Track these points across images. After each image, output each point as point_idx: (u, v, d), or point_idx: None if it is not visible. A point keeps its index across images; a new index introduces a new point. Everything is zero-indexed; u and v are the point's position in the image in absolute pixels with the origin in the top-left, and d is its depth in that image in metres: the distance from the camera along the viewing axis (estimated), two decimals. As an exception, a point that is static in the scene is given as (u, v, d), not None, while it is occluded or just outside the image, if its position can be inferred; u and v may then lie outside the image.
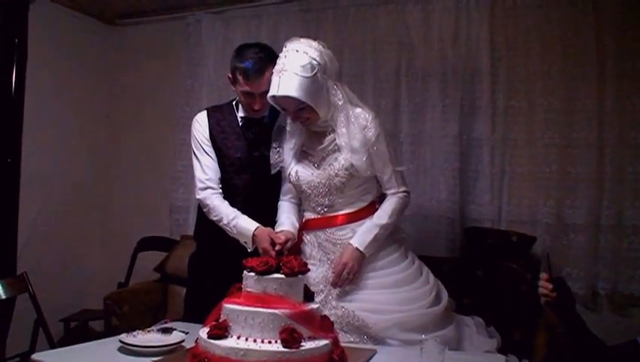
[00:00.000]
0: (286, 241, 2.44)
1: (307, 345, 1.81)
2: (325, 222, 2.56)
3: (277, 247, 2.39)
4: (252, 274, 1.93)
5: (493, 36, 3.70)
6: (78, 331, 4.26)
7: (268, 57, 2.56)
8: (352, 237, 2.49)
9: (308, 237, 2.61)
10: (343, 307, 2.42)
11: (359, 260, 2.43)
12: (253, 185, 2.75)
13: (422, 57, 3.88)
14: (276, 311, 1.82)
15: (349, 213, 2.54)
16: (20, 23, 4.13)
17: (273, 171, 2.67)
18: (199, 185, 2.74)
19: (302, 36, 2.51)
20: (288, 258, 2.06)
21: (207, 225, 2.78)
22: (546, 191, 3.54)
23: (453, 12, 3.80)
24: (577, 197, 3.48)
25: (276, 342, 1.79)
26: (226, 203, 2.68)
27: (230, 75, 2.68)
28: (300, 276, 1.98)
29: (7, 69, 4.07)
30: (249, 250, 2.54)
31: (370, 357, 2.11)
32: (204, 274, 2.82)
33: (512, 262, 3.32)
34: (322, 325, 1.98)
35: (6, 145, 4.04)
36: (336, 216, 2.55)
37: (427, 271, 2.60)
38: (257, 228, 2.56)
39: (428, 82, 3.85)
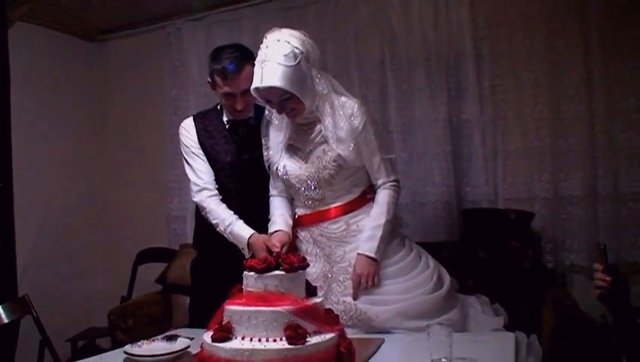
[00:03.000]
0: (282, 247, 2.39)
1: (313, 339, 1.80)
2: (318, 217, 2.53)
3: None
4: (252, 273, 1.92)
5: (475, 16, 3.69)
6: (85, 350, 4.24)
7: (244, 56, 2.56)
8: (345, 230, 2.49)
9: (302, 234, 2.59)
10: (345, 301, 2.40)
11: (373, 266, 2.40)
12: (246, 187, 2.74)
13: (405, 44, 3.86)
14: (279, 309, 1.81)
15: (341, 206, 2.51)
16: (0, 47, 4.10)
17: (267, 166, 2.65)
18: (194, 188, 2.73)
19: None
20: (287, 255, 2.05)
21: (205, 232, 2.77)
22: (540, 166, 3.53)
23: (431, -5, 3.79)
24: (572, 169, 3.47)
25: (281, 339, 1.77)
26: (223, 206, 2.67)
27: (209, 80, 2.67)
28: (300, 271, 1.96)
29: (-9, 94, 4.05)
30: (246, 257, 2.51)
31: (378, 347, 2.10)
32: (207, 278, 2.81)
33: (512, 240, 3.32)
34: (327, 318, 1.97)
35: (-4, 171, 4.01)
36: (328, 210, 2.52)
37: (426, 256, 2.58)
38: (252, 235, 2.55)
39: (413, 69, 3.84)
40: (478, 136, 3.68)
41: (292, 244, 2.56)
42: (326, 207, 2.52)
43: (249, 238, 2.54)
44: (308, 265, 2.06)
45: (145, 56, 4.91)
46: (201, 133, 2.76)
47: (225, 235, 2.61)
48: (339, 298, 2.42)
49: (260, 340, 1.78)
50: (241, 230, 2.58)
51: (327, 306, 2.18)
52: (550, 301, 2.96)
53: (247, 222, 2.60)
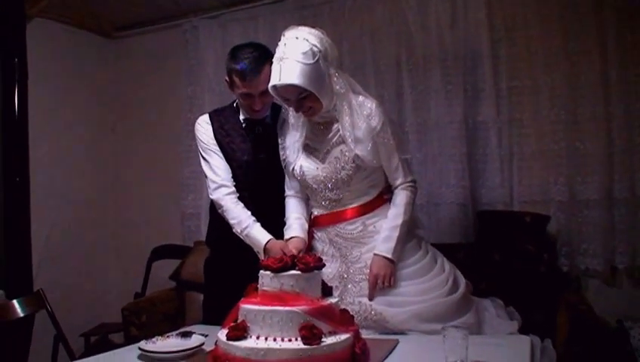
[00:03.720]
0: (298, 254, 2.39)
1: (328, 340, 1.79)
2: (335, 218, 2.52)
3: None
4: (268, 272, 1.92)
5: (491, 17, 3.68)
6: (98, 345, 4.27)
7: (263, 56, 2.53)
8: (362, 231, 2.48)
9: (318, 234, 2.58)
10: (360, 302, 2.39)
11: (390, 266, 2.38)
12: (262, 186, 2.72)
13: (421, 45, 3.86)
14: (294, 309, 1.80)
15: (358, 207, 2.49)
16: (18, 42, 4.14)
17: (283, 166, 2.64)
18: (212, 185, 2.70)
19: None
20: (302, 255, 2.05)
21: (219, 230, 2.77)
22: (556, 169, 3.50)
23: (449, -4, 3.77)
24: (588, 172, 3.45)
25: (296, 339, 1.77)
26: (240, 205, 2.64)
27: (227, 79, 2.65)
28: (316, 271, 1.96)
29: (9, 88, 4.09)
30: (261, 259, 2.49)
31: (393, 348, 2.09)
32: (221, 276, 2.80)
33: (527, 243, 3.30)
34: (342, 319, 1.96)
35: (13, 165, 4.05)
36: (344, 211, 2.50)
37: (442, 259, 2.56)
38: (269, 241, 2.53)
39: (429, 69, 3.83)
40: (494, 137, 3.66)
41: (308, 245, 2.55)
42: (343, 208, 2.50)
43: (266, 244, 2.52)
44: (324, 265, 2.05)
45: (161, 53, 4.93)
46: (217, 130, 2.75)
47: (241, 237, 2.59)
48: (354, 298, 2.41)
49: (275, 340, 1.78)
50: (258, 234, 2.55)
51: (343, 307, 2.18)
52: (565, 305, 2.95)
53: (262, 222, 2.59)
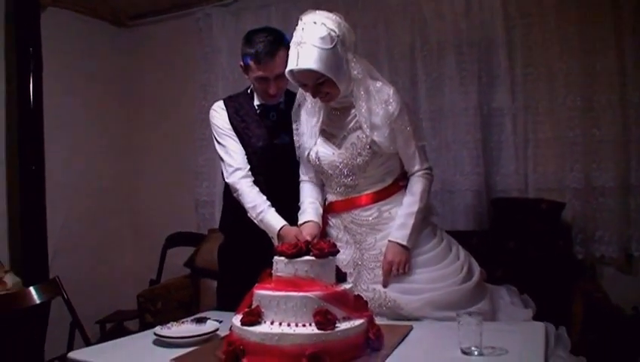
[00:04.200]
0: (313, 240, 2.37)
1: (342, 325, 1.80)
2: (350, 204, 2.51)
3: None
4: (282, 258, 1.92)
5: (506, 4, 3.64)
6: (114, 332, 4.31)
7: (277, 40, 2.53)
8: (377, 218, 2.47)
9: (333, 221, 2.57)
10: (374, 289, 2.39)
11: (404, 254, 2.38)
12: (277, 172, 2.71)
13: (435, 31, 3.83)
14: (308, 294, 1.81)
15: (373, 193, 2.48)
16: (33, 31, 4.16)
17: (298, 151, 2.64)
18: (228, 169, 2.69)
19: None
20: (317, 241, 2.05)
21: (232, 215, 2.77)
22: (571, 155, 3.47)
23: (464, -17, 3.73)
24: (604, 159, 3.42)
25: (310, 324, 1.78)
26: (256, 189, 2.63)
27: (242, 64, 2.65)
28: (330, 257, 1.96)
29: (24, 78, 4.11)
30: (275, 244, 2.49)
31: (407, 334, 2.09)
32: (235, 263, 2.80)
33: (542, 230, 3.28)
34: (356, 305, 1.97)
35: (29, 153, 4.08)
36: (360, 197, 2.49)
37: (457, 247, 2.55)
38: (283, 226, 2.53)
39: (443, 56, 3.81)
40: (509, 124, 3.64)
41: (322, 231, 2.54)
42: (358, 194, 2.49)
43: (280, 230, 2.52)
44: (338, 251, 2.06)
45: (175, 41, 4.93)
46: (232, 116, 2.74)
47: (255, 222, 2.59)
48: (368, 285, 2.41)
49: (289, 325, 1.79)
50: (272, 219, 2.55)
51: (357, 293, 2.18)
52: (580, 293, 2.93)
53: (276, 207, 2.58)
